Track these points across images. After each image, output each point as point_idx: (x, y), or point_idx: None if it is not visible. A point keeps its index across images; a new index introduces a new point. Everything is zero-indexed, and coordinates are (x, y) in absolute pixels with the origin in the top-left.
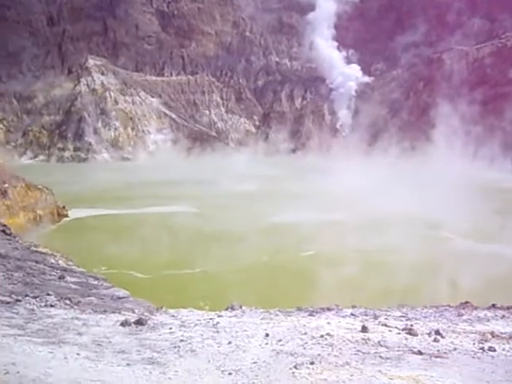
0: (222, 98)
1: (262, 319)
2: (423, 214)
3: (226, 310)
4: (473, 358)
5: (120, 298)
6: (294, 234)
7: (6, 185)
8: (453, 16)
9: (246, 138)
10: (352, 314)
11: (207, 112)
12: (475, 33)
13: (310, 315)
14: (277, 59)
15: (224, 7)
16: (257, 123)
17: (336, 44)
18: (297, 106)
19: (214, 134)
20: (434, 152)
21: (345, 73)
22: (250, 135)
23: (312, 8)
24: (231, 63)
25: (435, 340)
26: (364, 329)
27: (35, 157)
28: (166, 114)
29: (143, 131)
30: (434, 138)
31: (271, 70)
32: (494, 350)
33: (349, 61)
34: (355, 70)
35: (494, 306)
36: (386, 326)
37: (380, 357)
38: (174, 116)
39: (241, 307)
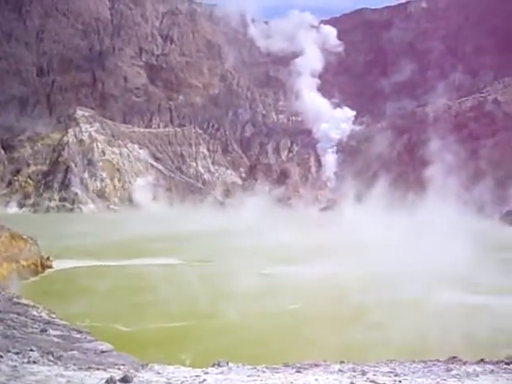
0: (208, 150)
1: (248, 376)
2: (416, 266)
3: (213, 366)
4: None
5: (103, 352)
6: (282, 287)
7: None
8: (435, 70)
9: (233, 190)
10: (340, 370)
11: (194, 164)
12: (457, 87)
13: (297, 372)
14: (263, 112)
15: (212, 61)
16: (243, 175)
17: (322, 97)
18: (283, 158)
19: (200, 185)
20: (423, 203)
21: (330, 126)
22: (236, 187)
23: (298, 62)
24: (218, 115)
25: None
26: None
27: (21, 207)
28: (152, 166)
29: (130, 182)
30: (421, 189)
31: (258, 123)
32: None
33: (334, 114)
34: (341, 123)
35: (482, 360)
36: (374, 382)
37: None
38: (160, 168)
39: (227, 364)
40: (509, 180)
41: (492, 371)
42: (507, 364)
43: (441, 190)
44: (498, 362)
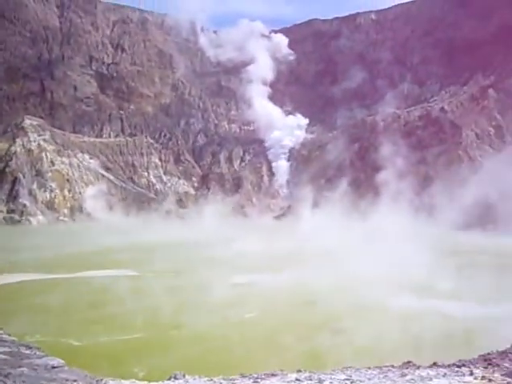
0: (160, 160)
1: None
2: (374, 273)
3: (169, 379)
4: None
5: (54, 368)
6: (238, 296)
7: None
8: (384, 80)
9: (186, 200)
10: (297, 379)
11: (146, 174)
12: (405, 96)
13: (254, 382)
14: (215, 121)
15: (163, 70)
16: (196, 185)
17: (274, 106)
18: (235, 167)
19: (152, 195)
20: (376, 209)
21: (283, 133)
22: (189, 197)
23: (249, 71)
24: (170, 125)
25: None
26: None
27: None
28: (103, 176)
29: (80, 193)
30: (374, 196)
31: (210, 132)
32: None
33: (287, 122)
34: (294, 130)
35: (435, 364)
36: None
37: None
38: (112, 178)
39: (184, 376)
40: (456, 186)
41: (445, 374)
42: (458, 367)
43: (392, 195)
44: (450, 366)
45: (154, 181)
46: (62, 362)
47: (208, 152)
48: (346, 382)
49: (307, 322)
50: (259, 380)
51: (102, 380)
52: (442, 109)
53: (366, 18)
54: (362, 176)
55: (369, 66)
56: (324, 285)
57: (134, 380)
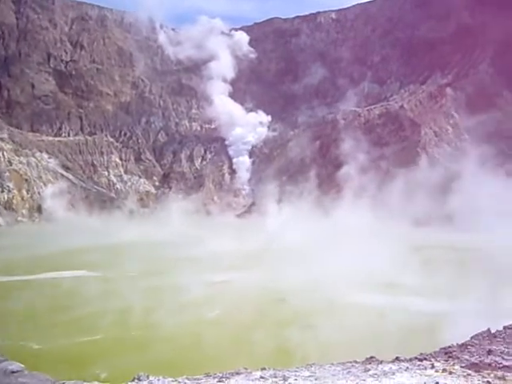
0: (120, 159)
1: None
2: (340, 270)
3: (132, 381)
4: None
5: (14, 373)
6: (208, 295)
7: None
8: (345, 79)
9: (147, 199)
10: (262, 377)
11: (106, 173)
12: (366, 94)
13: (219, 381)
14: (176, 120)
15: (123, 68)
16: (157, 184)
17: (235, 104)
18: (197, 166)
19: (113, 195)
20: (339, 205)
21: (244, 131)
22: (149, 196)
23: (210, 69)
24: (130, 123)
25: None
26: None
27: None
28: (63, 176)
29: (39, 193)
30: (336, 193)
31: (171, 131)
32: None
33: (248, 119)
34: (255, 127)
35: (397, 358)
36: None
37: None
38: (71, 177)
39: (148, 377)
40: (415, 183)
41: (407, 368)
42: (420, 360)
43: (354, 191)
44: (411, 360)
45: (114, 180)
46: (22, 366)
47: (169, 151)
48: (311, 378)
49: (275, 320)
50: (224, 379)
51: (63, 383)
52: (402, 107)
53: (327, 17)
54: (324, 173)
55: (329, 64)
56: (293, 283)
57: (95, 382)
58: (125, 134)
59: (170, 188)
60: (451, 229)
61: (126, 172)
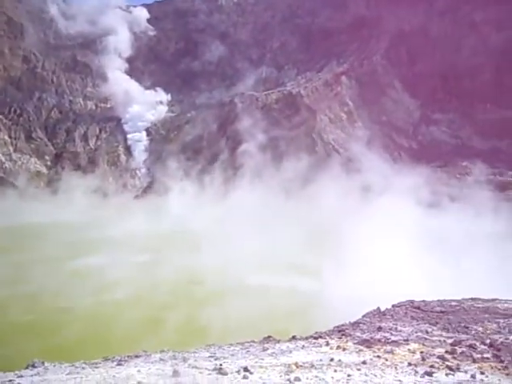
0: (10, 137)
1: (67, 374)
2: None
3: (27, 368)
4: None
5: None
6: (115, 277)
7: None
8: (244, 63)
9: (38, 179)
10: (161, 359)
11: None
12: (264, 79)
13: (118, 364)
14: (70, 98)
15: (13, 41)
16: (48, 163)
17: (132, 81)
18: (91, 146)
19: (1, 174)
20: (236, 187)
21: (142, 110)
22: (41, 176)
23: (107, 46)
24: (21, 100)
25: (245, 377)
26: (175, 373)
27: None
28: None
29: None
30: (233, 175)
31: (64, 109)
32: (300, 380)
33: (145, 100)
34: (153, 108)
35: (294, 337)
36: (196, 368)
37: None
38: None
39: (43, 363)
40: (310, 167)
41: (303, 346)
42: (316, 339)
43: (252, 174)
44: (307, 338)
45: (2, 159)
46: None
47: (62, 129)
48: (211, 359)
49: (187, 302)
50: (123, 362)
51: None
52: (299, 93)
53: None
54: (221, 156)
55: (229, 47)
56: (205, 264)
57: None
58: (15, 111)
59: (63, 168)
60: None
61: (15, 151)
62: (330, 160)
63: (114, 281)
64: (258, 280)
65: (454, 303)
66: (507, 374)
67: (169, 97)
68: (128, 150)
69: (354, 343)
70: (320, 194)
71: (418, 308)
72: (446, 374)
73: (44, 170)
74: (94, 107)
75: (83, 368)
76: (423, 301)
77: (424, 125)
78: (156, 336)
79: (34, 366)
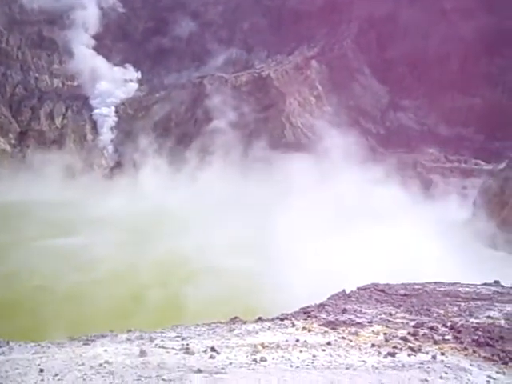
0: None
1: (34, 354)
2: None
3: None
4: (248, 370)
5: None
6: (99, 256)
7: None
8: (214, 44)
9: (1, 158)
10: (128, 339)
11: None
12: (234, 61)
13: (84, 344)
14: (36, 75)
15: None
16: (12, 142)
17: (99, 58)
18: (57, 124)
19: None
20: (205, 169)
21: (110, 89)
22: (4, 155)
23: (74, 22)
24: None
25: (211, 357)
26: (142, 353)
27: None
28: None
29: None
30: (202, 159)
31: (29, 86)
32: (266, 360)
33: (114, 77)
34: (122, 85)
35: (260, 318)
36: (163, 347)
37: (162, 379)
38: None
39: (8, 343)
40: (279, 151)
41: (269, 327)
42: (281, 320)
43: (221, 157)
44: (273, 319)
45: None
46: None
47: (27, 107)
48: (177, 339)
49: (161, 283)
50: (90, 342)
51: None
52: (269, 76)
53: None
54: (189, 137)
55: (199, 27)
56: (181, 247)
57: None
58: None
59: (28, 147)
60: None
61: None
62: (298, 143)
63: (90, 260)
64: (232, 263)
65: (417, 286)
66: (466, 355)
67: (139, 74)
68: (95, 130)
69: (320, 325)
70: (287, 178)
71: (383, 291)
72: (408, 355)
73: (8, 148)
74: (60, 85)
75: (49, 347)
76: (387, 284)
77: (392, 111)
78: (125, 317)
79: None
